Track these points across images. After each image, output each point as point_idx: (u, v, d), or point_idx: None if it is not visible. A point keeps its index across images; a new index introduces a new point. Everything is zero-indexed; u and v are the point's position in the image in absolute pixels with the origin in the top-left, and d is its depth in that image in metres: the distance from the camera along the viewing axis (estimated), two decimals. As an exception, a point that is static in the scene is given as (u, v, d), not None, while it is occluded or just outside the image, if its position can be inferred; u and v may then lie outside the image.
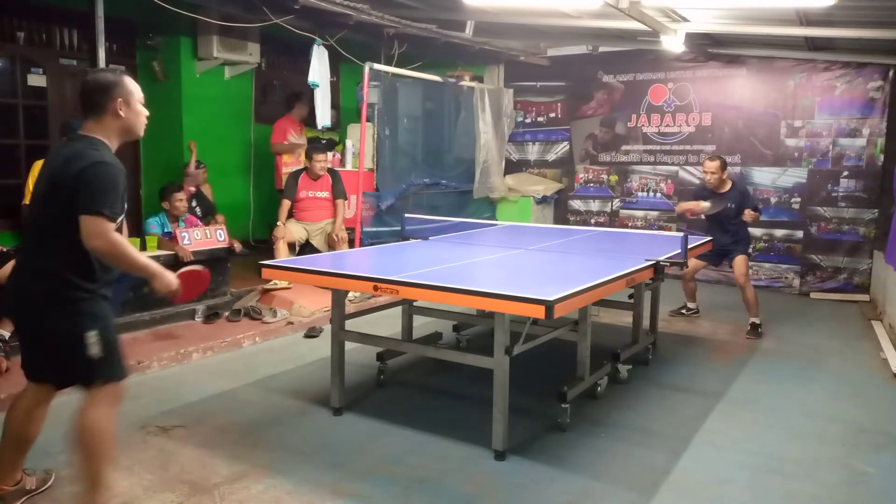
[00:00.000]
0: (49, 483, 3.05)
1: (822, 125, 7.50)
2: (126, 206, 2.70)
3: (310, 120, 7.32)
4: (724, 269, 7.73)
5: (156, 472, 3.20)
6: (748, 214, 5.81)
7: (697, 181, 8.15)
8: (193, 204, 6.56)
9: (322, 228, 6.68)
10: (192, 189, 6.70)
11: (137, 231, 6.25)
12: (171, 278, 2.75)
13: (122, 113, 2.66)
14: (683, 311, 6.50)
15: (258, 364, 4.90)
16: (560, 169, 9.07)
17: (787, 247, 7.76)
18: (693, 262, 5.82)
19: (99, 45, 4.95)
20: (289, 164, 7.29)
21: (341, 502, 2.99)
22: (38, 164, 4.74)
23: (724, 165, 5.99)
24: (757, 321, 5.87)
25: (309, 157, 6.56)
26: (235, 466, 3.27)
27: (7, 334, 4.30)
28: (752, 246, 6.03)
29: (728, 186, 6.01)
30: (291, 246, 6.49)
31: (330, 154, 7.50)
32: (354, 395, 4.20)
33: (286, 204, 6.57)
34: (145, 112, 2.77)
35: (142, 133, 2.80)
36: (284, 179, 6.97)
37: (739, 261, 5.89)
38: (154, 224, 5.78)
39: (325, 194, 6.68)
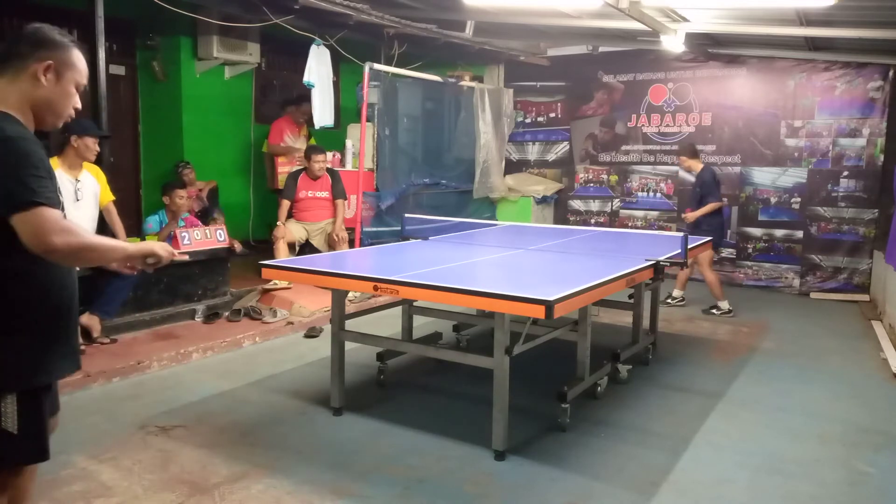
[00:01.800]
0: None
1: (822, 125, 7.50)
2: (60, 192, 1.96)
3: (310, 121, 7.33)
4: (723, 269, 7.75)
5: (156, 472, 3.20)
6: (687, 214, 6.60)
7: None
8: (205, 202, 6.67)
9: (322, 228, 6.68)
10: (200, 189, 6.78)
11: (137, 230, 6.26)
12: (148, 245, 2.11)
13: (43, 80, 1.95)
14: (668, 299, 6.80)
15: (258, 364, 4.90)
16: (560, 169, 9.08)
17: (787, 247, 7.76)
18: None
19: (99, 45, 4.96)
20: (284, 165, 7.31)
21: (341, 502, 2.99)
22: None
23: (689, 153, 6.74)
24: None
25: (308, 157, 6.56)
26: (235, 466, 3.27)
27: None
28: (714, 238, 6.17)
29: (698, 169, 6.68)
30: (291, 246, 6.49)
31: (330, 154, 7.52)
32: (354, 395, 4.19)
33: (285, 204, 6.57)
34: (77, 102, 2.06)
35: (59, 124, 2.06)
36: (282, 180, 7.00)
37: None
38: (152, 223, 5.77)
39: (325, 194, 6.68)
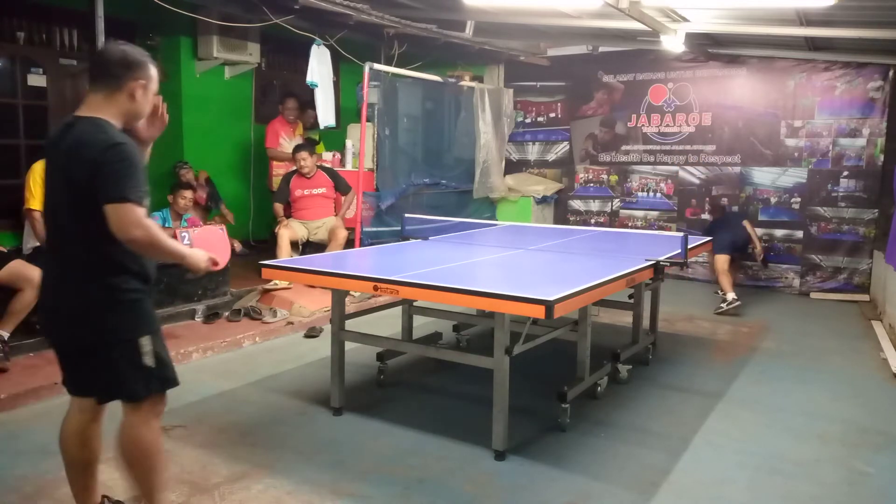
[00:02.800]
0: None
1: (822, 125, 7.50)
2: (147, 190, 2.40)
3: (310, 121, 7.34)
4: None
5: (156, 472, 3.20)
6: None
7: (697, 181, 8.20)
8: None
9: (322, 226, 6.70)
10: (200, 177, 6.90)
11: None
12: (200, 254, 2.51)
13: (137, 97, 2.40)
14: (723, 304, 6.64)
15: (258, 364, 4.90)
16: (560, 169, 9.07)
17: (787, 247, 7.75)
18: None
19: (99, 46, 4.95)
20: (280, 167, 7.35)
21: (341, 502, 2.99)
22: (38, 165, 4.74)
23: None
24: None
25: (293, 154, 6.68)
26: (235, 466, 3.27)
27: (6, 334, 4.30)
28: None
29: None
30: (294, 245, 6.52)
31: (330, 154, 7.54)
32: (354, 395, 4.20)
33: (278, 207, 6.69)
34: (152, 103, 2.51)
35: (135, 125, 2.51)
36: (276, 182, 7.12)
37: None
38: (156, 216, 5.78)
39: (322, 191, 6.72)
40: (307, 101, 7.29)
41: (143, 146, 2.56)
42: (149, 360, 2.40)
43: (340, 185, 6.78)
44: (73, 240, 2.37)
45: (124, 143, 2.30)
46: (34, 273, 4.40)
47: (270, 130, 7.41)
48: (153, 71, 2.45)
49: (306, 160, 6.57)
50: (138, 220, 2.24)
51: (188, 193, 5.90)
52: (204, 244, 2.74)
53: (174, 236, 5.51)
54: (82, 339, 2.40)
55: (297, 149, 6.68)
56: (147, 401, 2.46)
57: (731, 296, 6.59)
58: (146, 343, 2.40)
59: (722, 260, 6.68)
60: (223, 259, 2.87)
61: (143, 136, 2.56)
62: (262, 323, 5.66)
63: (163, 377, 2.47)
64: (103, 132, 2.29)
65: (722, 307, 6.59)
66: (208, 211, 7.18)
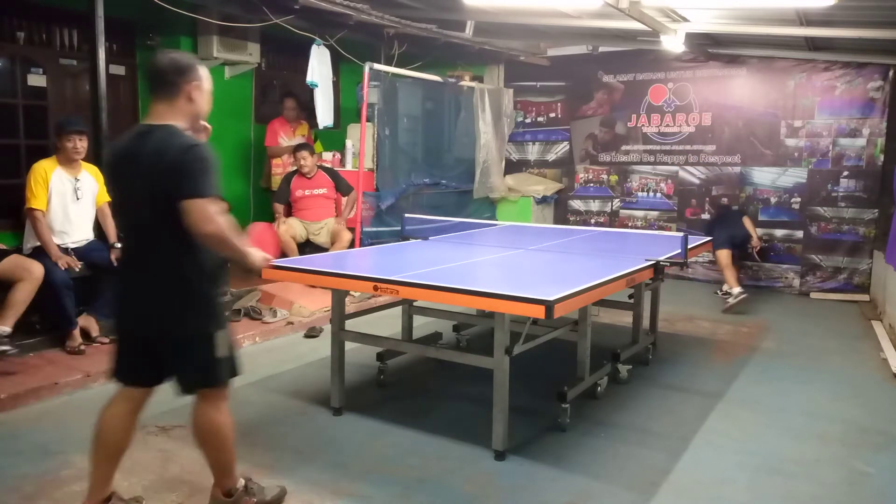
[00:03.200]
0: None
1: (822, 125, 7.50)
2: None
3: (311, 120, 7.34)
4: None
5: (156, 472, 3.20)
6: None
7: (697, 181, 8.20)
8: None
9: (322, 227, 6.70)
10: None
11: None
12: (258, 253, 2.69)
13: (195, 97, 2.60)
14: (730, 299, 6.64)
15: (258, 364, 4.89)
16: (560, 169, 9.07)
17: (787, 247, 7.75)
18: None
19: (99, 45, 4.95)
20: (278, 166, 7.37)
21: (341, 502, 2.99)
22: (38, 165, 4.74)
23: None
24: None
25: (294, 153, 6.72)
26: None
27: (9, 329, 4.28)
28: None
29: None
30: (300, 247, 6.57)
31: (330, 154, 7.54)
32: (354, 395, 4.19)
33: (278, 208, 6.72)
34: (210, 101, 2.70)
35: (203, 121, 2.74)
36: (276, 181, 7.15)
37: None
38: None
39: (323, 191, 6.73)
40: (306, 101, 7.30)
41: None
42: (223, 352, 2.63)
43: (341, 186, 6.80)
44: (157, 243, 2.55)
45: (199, 144, 2.51)
46: (33, 265, 4.40)
47: (270, 130, 7.43)
48: (204, 71, 2.65)
49: (306, 159, 6.59)
50: (212, 215, 2.42)
51: None
52: (258, 242, 2.90)
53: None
54: (166, 333, 2.60)
55: (298, 148, 6.71)
56: (221, 388, 2.71)
57: (737, 290, 6.61)
58: (221, 336, 2.62)
59: (724, 255, 6.71)
60: (273, 256, 3.18)
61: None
62: (262, 323, 5.66)
63: (233, 367, 2.73)
64: (179, 137, 2.50)
65: (729, 301, 6.60)
66: None
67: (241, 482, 2.85)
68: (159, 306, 2.57)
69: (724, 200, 7.88)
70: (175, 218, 2.43)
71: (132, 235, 2.69)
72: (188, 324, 2.58)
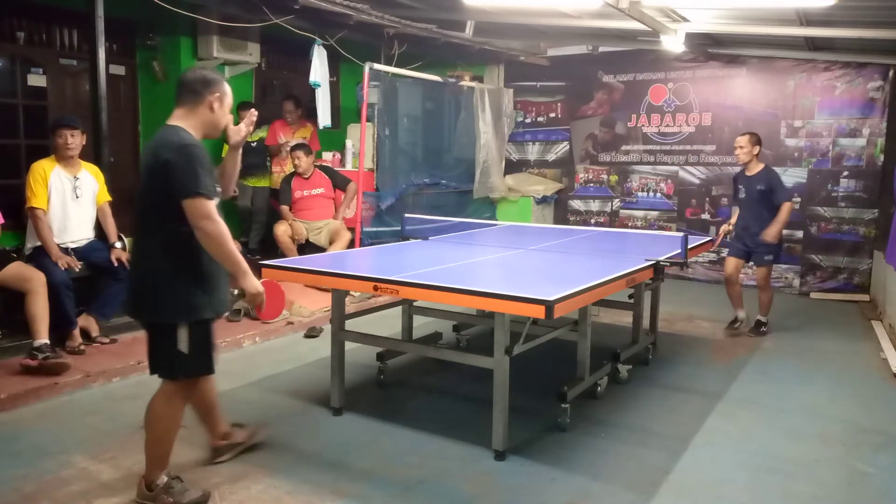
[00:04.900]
0: (257, 438, 3.41)
1: (822, 125, 7.50)
2: (218, 188, 2.84)
3: (315, 121, 7.35)
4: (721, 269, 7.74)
5: (156, 472, 3.20)
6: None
7: (697, 181, 8.19)
8: None
9: (321, 228, 6.71)
10: None
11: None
12: (257, 282, 2.83)
13: (215, 108, 2.82)
14: (736, 324, 5.93)
15: (258, 364, 4.90)
16: (560, 169, 9.07)
17: (787, 247, 7.74)
18: (730, 263, 5.85)
19: (99, 45, 4.96)
20: (276, 165, 7.38)
21: (341, 502, 2.99)
22: (37, 164, 4.74)
23: (755, 141, 5.71)
24: (763, 319, 5.88)
25: (290, 152, 6.78)
26: (235, 466, 3.27)
27: (47, 340, 4.29)
28: (775, 253, 5.81)
29: (759, 168, 5.73)
30: (301, 248, 6.58)
31: (330, 154, 7.55)
32: (354, 395, 4.19)
33: (284, 209, 6.75)
34: (230, 116, 2.94)
35: (217, 135, 2.96)
36: (276, 180, 7.18)
37: (759, 271, 5.87)
38: None
39: (321, 190, 6.76)
40: (308, 102, 7.31)
41: (234, 150, 3.07)
42: (184, 347, 2.72)
43: (338, 181, 6.84)
44: (147, 232, 2.77)
45: (194, 144, 2.69)
46: (33, 274, 4.40)
47: (271, 130, 7.46)
48: (227, 87, 2.89)
49: (301, 159, 6.62)
50: (209, 212, 2.63)
51: None
52: (267, 288, 3.03)
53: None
54: (138, 315, 2.85)
55: (294, 148, 6.75)
56: (178, 382, 2.84)
57: (742, 313, 5.98)
58: (185, 331, 2.72)
59: (737, 263, 6.03)
60: (270, 312, 3.37)
61: (232, 142, 3.03)
62: (263, 323, 5.66)
63: (197, 366, 2.82)
64: (177, 136, 2.70)
65: (735, 326, 5.99)
66: None
67: (164, 479, 2.89)
68: (139, 290, 2.80)
69: (724, 201, 7.87)
70: (164, 211, 2.65)
71: (137, 223, 2.85)
72: (156, 311, 2.75)
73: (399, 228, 5.65)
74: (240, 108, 6.82)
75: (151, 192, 2.70)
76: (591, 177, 8.88)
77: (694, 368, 4.97)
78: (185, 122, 2.78)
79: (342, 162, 7.46)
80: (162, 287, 2.72)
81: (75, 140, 4.72)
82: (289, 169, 7.03)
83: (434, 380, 4.62)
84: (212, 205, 2.65)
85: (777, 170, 7.59)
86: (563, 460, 3.43)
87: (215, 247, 2.67)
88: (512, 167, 9.20)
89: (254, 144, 7.15)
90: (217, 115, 2.84)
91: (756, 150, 5.74)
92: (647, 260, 4.15)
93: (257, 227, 7.36)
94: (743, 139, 5.76)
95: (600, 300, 4.00)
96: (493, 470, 3.32)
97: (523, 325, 3.60)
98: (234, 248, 2.72)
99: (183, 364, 2.77)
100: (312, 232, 6.71)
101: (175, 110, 2.83)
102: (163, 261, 2.72)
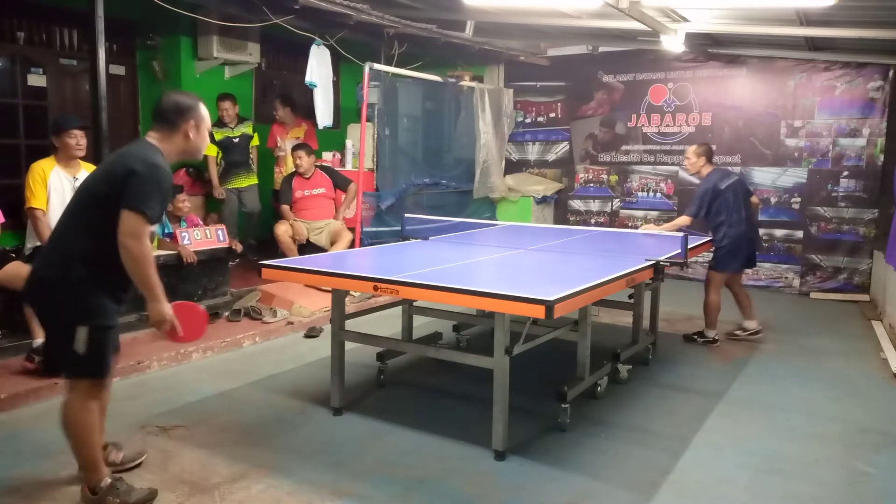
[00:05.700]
0: (131, 463, 3.22)
1: (822, 125, 7.50)
2: (163, 215, 2.85)
3: (313, 121, 7.36)
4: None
5: (156, 472, 3.20)
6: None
7: (697, 181, 8.18)
8: None
9: (322, 228, 6.71)
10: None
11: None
12: (168, 309, 2.80)
13: (191, 136, 2.83)
14: (739, 331, 5.72)
15: (258, 364, 4.90)
16: (560, 169, 9.07)
17: (787, 247, 7.76)
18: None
19: (99, 45, 4.95)
20: (277, 165, 7.41)
21: (341, 502, 2.99)
22: (36, 164, 4.73)
23: (701, 152, 5.61)
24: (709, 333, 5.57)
25: (291, 153, 6.79)
26: (235, 466, 3.27)
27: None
28: (716, 259, 5.57)
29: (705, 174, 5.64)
30: (301, 248, 6.59)
31: (330, 154, 7.55)
32: (354, 395, 4.20)
33: (286, 209, 6.74)
34: (208, 139, 2.96)
35: (200, 157, 3.01)
36: (277, 180, 7.21)
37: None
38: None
39: (322, 190, 6.77)
40: (304, 102, 7.33)
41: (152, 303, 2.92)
42: (81, 348, 2.69)
43: (338, 181, 6.85)
44: (74, 224, 2.75)
45: (163, 167, 2.71)
46: None
47: (271, 133, 7.52)
48: (203, 112, 2.87)
49: (302, 159, 6.62)
50: (141, 233, 2.62)
51: (183, 196, 5.94)
52: (179, 311, 2.97)
53: (175, 238, 5.53)
54: (46, 310, 2.83)
55: (296, 148, 6.76)
56: (79, 381, 2.81)
57: (752, 324, 5.76)
58: (84, 332, 2.69)
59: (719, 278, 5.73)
60: (188, 335, 3.24)
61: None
62: (262, 323, 5.66)
63: (90, 367, 2.77)
64: (151, 154, 2.72)
65: (738, 333, 5.80)
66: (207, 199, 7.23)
67: (108, 481, 2.87)
68: (50, 281, 2.74)
69: None
70: (109, 216, 2.62)
71: (70, 216, 2.83)
72: (62, 308, 2.72)
73: (399, 228, 5.65)
74: (219, 100, 6.86)
75: (101, 195, 2.68)
76: (591, 177, 8.88)
77: (694, 368, 4.97)
78: (161, 145, 2.80)
79: (342, 162, 7.46)
80: (77, 286, 2.69)
81: (85, 140, 4.74)
82: (288, 170, 7.04)
83: (434, 380, 4.62)
84: (147, 228, 2.65)
85: (776, 170, 7.50)
86: (563, 460, 3.43)
87: (135, 266, 2.66)
88: (512, 167, 9.20)
89: (236, 140, 7.08)
90: (194, 142, 2.85)
91: (702, 161, 5.63)
92: (647, 260, 4.15)
93: (257, 226, 7.37)
94: (689, 150, 5.77)
95: (600, 300, 4.00)
96: (493, 470, 3.32)
97: (523, 325, 3.60)
98: (153, 272, 2.71)
99: (79, 364, 2.74)
100: (313, 232, 6.71)
101: (151, 130, 2.84)
102: (86, 261, 2.68)
